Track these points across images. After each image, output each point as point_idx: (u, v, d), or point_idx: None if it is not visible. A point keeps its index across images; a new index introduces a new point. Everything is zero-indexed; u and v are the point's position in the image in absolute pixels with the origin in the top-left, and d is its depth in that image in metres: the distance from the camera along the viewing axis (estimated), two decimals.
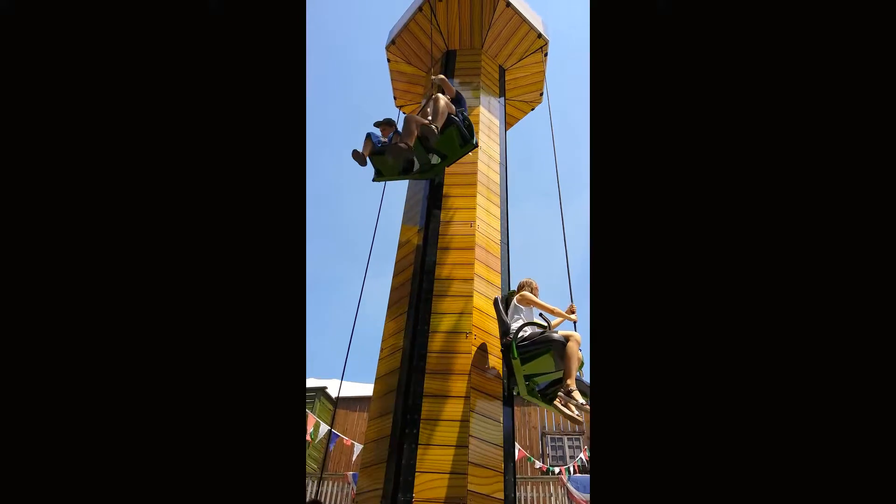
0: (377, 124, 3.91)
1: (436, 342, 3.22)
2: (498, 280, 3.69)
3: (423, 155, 3.69)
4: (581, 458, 8.53)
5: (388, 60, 5.52)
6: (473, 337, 3.24)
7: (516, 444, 3.91)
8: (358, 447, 7.14)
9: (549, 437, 9.68)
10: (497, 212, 4.08)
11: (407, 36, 5.27)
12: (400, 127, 3.75)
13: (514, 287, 3.52)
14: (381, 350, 3.51)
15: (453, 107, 3.57)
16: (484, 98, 4.79)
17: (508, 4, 4.97)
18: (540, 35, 5.22)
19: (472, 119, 4.11)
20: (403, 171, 3.85)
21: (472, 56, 5.10)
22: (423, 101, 3.93)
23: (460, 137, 3.61)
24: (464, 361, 3.13)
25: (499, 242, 3.91)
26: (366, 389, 10.90)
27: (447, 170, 4.03)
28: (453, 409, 2.95)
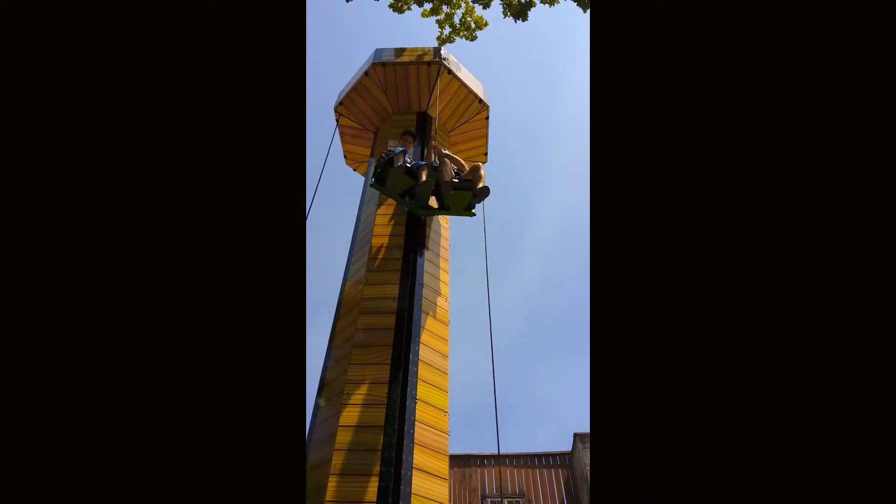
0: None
1: (420, 412, 3.11)
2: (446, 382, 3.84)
3: (427, 193, 4.12)
4: None
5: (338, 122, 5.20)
6: (448, 417, 3.29)
7: None
8: None
9: (489, 500, 8.39)
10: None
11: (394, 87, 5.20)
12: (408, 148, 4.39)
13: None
14: (349, 395, 3.07)
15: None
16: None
17: (486, 118, 5.63)
18: (486, 153, 6.00)
19: (442, 224, 4.51)
20: (401, 195, 4.15)
21: (442, 139, 5.41)
22: (439, 154, 4.31)
23: (468, 203, 4.20)
24: (443, 441, 3.13)
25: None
26: None
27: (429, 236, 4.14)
28: (436, 488, 2.89)
